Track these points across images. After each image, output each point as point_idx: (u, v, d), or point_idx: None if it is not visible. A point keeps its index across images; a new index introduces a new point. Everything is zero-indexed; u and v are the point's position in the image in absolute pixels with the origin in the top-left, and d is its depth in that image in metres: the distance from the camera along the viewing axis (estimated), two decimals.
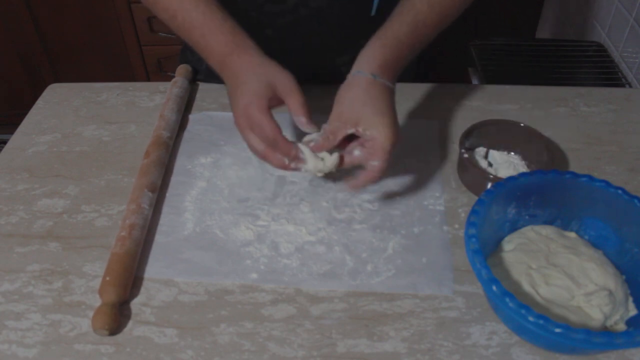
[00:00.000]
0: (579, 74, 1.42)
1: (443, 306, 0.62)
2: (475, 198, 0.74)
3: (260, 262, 0.67)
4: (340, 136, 0.65)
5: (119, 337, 0.60)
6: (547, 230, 0.65)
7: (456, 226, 0.71)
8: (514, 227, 0.67)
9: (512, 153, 0.79)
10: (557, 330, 0.49)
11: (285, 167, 0.65)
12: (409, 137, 0.84)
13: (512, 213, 0.65)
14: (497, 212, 0.63)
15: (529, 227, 0.66)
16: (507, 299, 0.51)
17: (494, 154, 0.79)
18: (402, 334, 0.59)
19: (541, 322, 0.49)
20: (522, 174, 0.64)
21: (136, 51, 2.00)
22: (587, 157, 0.81)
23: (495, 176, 0.71)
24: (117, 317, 0.60)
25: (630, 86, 1.35)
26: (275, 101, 0.64)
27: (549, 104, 0.90)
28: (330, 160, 0.66)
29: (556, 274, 0.59)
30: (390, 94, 0.67)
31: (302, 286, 0.64)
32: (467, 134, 0.77)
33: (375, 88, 0.65)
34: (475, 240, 0.56)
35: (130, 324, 0.61)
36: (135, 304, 0.63)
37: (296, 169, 0.66)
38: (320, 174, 0.67)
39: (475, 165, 0.76)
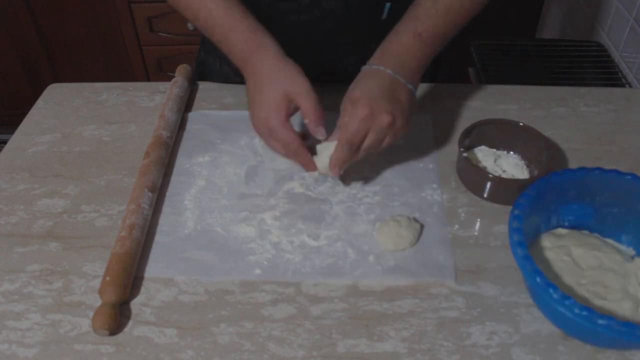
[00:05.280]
0: (579, 74, 1.42)
1: (443, 306, 0.62)
2: (475, 198, 0.74)
3: (263, 257, 0.67)
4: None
5: (119, 337, 0.60)
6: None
7: (456, 226, 0.71)
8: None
9: (512, 153, 0.79)
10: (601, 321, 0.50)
11: (308, 167, 0.71)
12: (408, 137, 0.84)
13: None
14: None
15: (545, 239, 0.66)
16: (550, 290, 0.52)
17: (502, 155, 0.79)
18: (402, 334, 0.59)
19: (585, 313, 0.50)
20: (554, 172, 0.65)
21: (136, 51, 2.00)
22: (587, 157, 0.80)
23: (494, 176, 0.71)
24: (117, 317, 0.60)
25: (630, 86, 1.35)
26: (292, 109, 0.68)
27: (549, 104, 0.90)
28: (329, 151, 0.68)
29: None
30: (404, 89, 0.68)
31: (306, 280, 0.64)
32: (467, 134, 0.77)
33: (391, 81, 0.67)
34: (519, 233, 0.57)
35: (130, 324, 0.61)
36: (135, 304, 0.63)
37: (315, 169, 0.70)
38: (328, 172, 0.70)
39: (475, 165, 0.76)
